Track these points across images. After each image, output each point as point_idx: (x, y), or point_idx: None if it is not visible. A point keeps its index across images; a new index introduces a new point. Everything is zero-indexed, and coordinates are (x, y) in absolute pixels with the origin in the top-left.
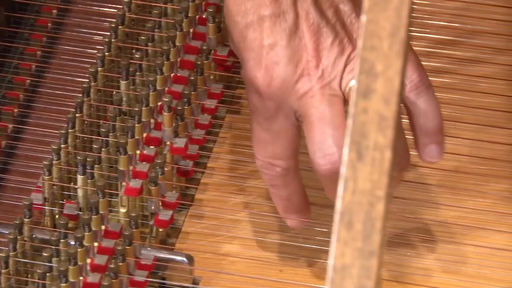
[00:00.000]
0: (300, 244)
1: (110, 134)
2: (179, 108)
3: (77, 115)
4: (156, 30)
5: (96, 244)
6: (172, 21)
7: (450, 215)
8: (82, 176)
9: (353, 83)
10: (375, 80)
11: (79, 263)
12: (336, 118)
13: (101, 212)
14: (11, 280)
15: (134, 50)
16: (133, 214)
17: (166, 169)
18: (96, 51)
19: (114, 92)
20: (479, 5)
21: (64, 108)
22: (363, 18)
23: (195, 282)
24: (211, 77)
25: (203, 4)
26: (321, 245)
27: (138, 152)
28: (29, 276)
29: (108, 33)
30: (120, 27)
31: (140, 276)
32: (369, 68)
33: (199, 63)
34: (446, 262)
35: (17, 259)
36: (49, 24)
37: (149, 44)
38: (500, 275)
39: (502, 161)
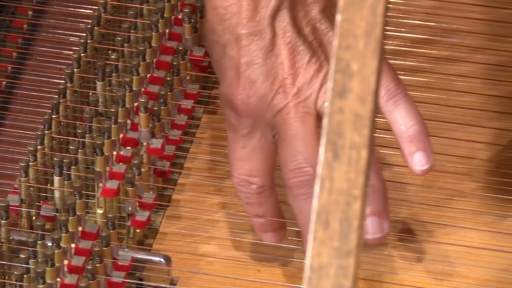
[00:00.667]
0: (277, 244)
1: (87, 135)
2: (155, 108)
3: (53, 116)
4: (132, 31)
5: (73, 245)
6: (148, 22)
7: (427, 214)
8: (59, 178)
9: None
10: (350, 79)
11: (56, 264)
12: (308, 136)
13: (78, 213)
14: None
15: (110, 51)
16: (110, 215)
17: (143, 170)
18: (72, 52)
19: (90, 93)
20: (455, 3)
21: (40, 110)
22: (338, 17)
23: (172, 282)
24: (188, 78)
25: (178, 5)
26: (299, 244)
27: (114, 153)
28: (6, 278)
29: (84, 34)
30: (96, 28)
31: (118, 277)
32: (345, 67)
33: (175, 63)
34: (423, 261)
35: None
36: (25, 26)
37: (125, 45)
38: (477, 273)
39: (479, 159)
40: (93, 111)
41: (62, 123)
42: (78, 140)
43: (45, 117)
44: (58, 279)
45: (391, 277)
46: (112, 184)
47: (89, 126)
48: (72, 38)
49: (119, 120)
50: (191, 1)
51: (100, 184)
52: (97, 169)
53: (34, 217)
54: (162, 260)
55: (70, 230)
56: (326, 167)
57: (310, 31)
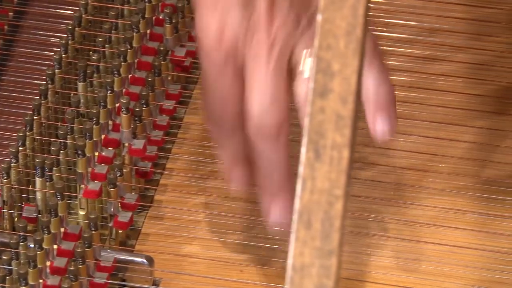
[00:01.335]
0: (260, 244)
1: (68, 136)
2: (137, 109)
3: (34, 117)
4: (113, 31)
5: (55, 246)
6: (129, 22)
7: (409, 213)
8: (41, 179)
9: (308, 60)
10: (331, 79)
11: (39, 265)
12: (276, 79)
13: (60, 214)
14: None
15: (91, 52)
16: (92, 216)
17: (124, 170)
18: (53, 53)
19: (72, 94)
20: (437, 3)
21: (21, 111)
22: (319, 17)
23: (155, 283)
24: (169, 78)
25: (159, 5)
26: (281, 244)
27: (96, 154)
28: None
29: (65, 35)
30: (77, 28)
31: (100, 278)
32: (326, 67)
33: (156, 64)
34: (406, 260)
35: None
36: (6, 27)
37: (106, 45)
38: (460, 272)
39: (461, 158)
40: (74, 112)
41: (44, 124)
42: (60, 141)
43: (27, 118)
44: (41, 281)
45: (374, 277)
46: (94, 185)
47: (70, 127)
48: (53, 39)
49: (101, 121)
50: (172, 2)
51: (82, 185)
52: (79, 170)
53: (16, 219)
54: (144, 261)
55: (52, 231)
56: (307, 167)
57: None
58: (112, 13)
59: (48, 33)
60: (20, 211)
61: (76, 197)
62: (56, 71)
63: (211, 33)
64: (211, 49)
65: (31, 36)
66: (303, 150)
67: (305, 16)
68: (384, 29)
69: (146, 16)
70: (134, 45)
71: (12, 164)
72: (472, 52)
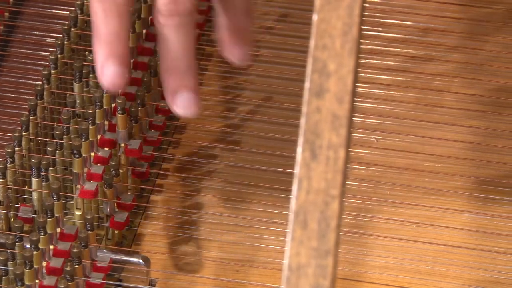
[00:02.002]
0: (256, 244)
1: (64, 136)
2: (133, 109)
3: (30, 118)
4: None
5: (51, 246)
6: None
7: (405, 213)
8: (37, 179)
9: None
10: (327, 79)
11: (35, 266)
12: None
13: (56, 214)
14: None
15: (87, 52)
16: (89, 217)
17: (121, 171)
18: (49, 54)
19: (68, 94)
20: (432, 2)
21: (17, 111)
22: (315, 17)
23: (151, 283)
24: None
25: None
26: (277, 245)
27: (92, 154)
28: None
29: (61, 35)
30: (72, 29)
31: (96, 278)
32: (322, 67)
33: (152, 64)
34: (402, 260)
35: None
36: (1, 27)
37: None
38: (456, 272)
39: (456, 158)
40: (70, 112)
41: (40, 125)
42: (56, 142)
43: (23, 118)
44: (37, 281)
45: (369, 277)
46: (90, 186)
47: (66, 127)
48: (49, 39)
49: (97, 121)
50: None
51: (78, 186)
52: (75, 170)
53: (12, 219)
54: (141, 261)
55: (49, 231)
56: (304, 167)
57: None
58: None
59: (44, 34)
60: (16, 212)
61: (72, 197)
62: (52, 71)
63: None
64: None
65: (26, 36)
66: (299, 150)
67: None
68: (380, 29)
69: (142, 16)
70: (130, 45)
71: (8, 165)
72: (467, 52)
